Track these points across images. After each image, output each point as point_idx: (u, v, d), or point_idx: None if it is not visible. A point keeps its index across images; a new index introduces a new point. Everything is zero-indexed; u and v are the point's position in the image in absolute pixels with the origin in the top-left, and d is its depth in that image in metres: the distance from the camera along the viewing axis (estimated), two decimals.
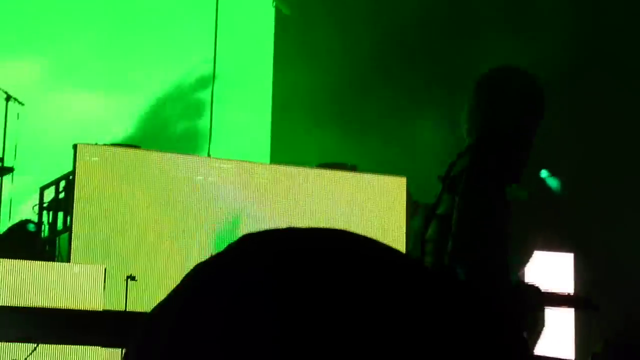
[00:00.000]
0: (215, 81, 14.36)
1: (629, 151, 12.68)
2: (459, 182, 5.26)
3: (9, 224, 11.55)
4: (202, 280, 1.07)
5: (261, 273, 1.02)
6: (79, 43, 14.00)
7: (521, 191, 5.41)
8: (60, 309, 8.71)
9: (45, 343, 8.36)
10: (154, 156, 11.10)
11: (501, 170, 5.38)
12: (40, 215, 11.36)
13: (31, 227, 11.26)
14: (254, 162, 12.02)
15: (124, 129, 14.00)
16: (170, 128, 15.10)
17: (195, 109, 14.97)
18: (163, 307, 1.07)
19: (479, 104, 5.48)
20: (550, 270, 11.43)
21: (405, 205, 11.11)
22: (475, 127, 5.40)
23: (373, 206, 11.01)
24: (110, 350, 9.01)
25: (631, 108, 12.44)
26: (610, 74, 12.74)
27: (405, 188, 11.12)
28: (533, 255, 5.67)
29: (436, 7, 13.37)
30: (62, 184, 11.16)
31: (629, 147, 12.66)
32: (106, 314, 9.00)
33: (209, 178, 10.79)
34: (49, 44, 14.12)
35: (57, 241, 11.06)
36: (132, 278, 9.49)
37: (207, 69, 14.90)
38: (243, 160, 11.73)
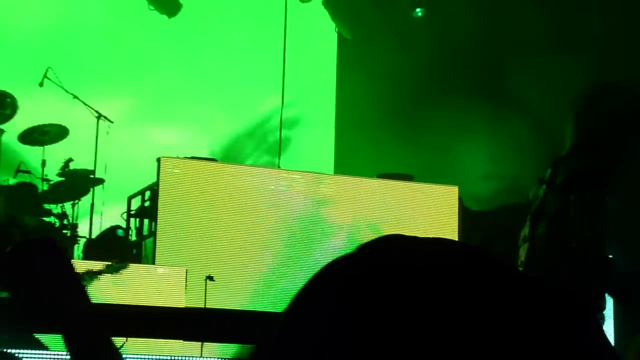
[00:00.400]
0: (285, 100, 14.77)
1: None
2: (567, 186, 5.55)
3: (100, 230, 11.83)
4: (315, 290, 1.06)
5: (371, 293, 1.00)
6: (162, 83, 14.30)
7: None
8: (146, 306, 8.70)
9: (133, 337, 8.71)
10: (230, 168, 11.49)
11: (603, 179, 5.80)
12: (128, 221, 11.71)
13: (120, 232, 11.56)
14: (320, 173, 12.29)
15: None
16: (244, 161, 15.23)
17: (274, 148, 15.11)
18: (286, 310, 1.08)
19: (577, 117, 5.66)
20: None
21: (457, 212, 11.31)
22: (573, 138, 5.75)
23: (428, 213, 11.21)
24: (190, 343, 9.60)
25: None
26: None
27: (457, 196, 11.35)
28: None
29: (485, 26, 13.40)
30: (147, 193, 11.46)
31: None
32: (187, 311, 9.61)
33: (280, 188, 11.07)
34: (136, 83, 14.38)
35: (143, 245, 11.38)
36: (211, 278, 9.74)
37: (286, 113, 15.02)
38: (310, 172, 12.06)
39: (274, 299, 10.25)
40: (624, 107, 5.76)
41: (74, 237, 11.60)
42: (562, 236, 5.58)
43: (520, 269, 5.99)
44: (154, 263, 10.34)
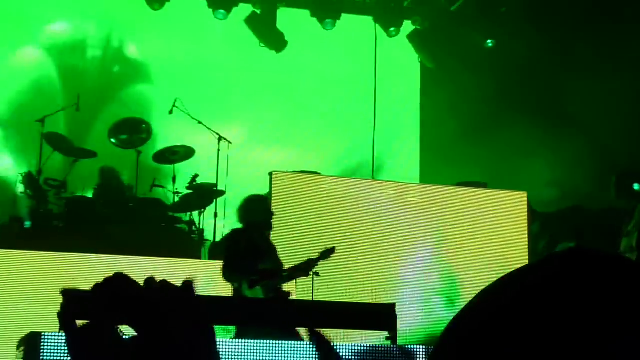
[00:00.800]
0: (377, 120, 15.28)
1: None
2: None
3: (223, 234, 12.17)
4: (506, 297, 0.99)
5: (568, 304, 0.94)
6: (272, 109, 14.74)
7: None
8: (261, 299, 8.94)
9: (250, 325, 8.56)
10: (331, 180, 11.89)
11: None
12: None
13: None
14: (408, 183, 12.83)
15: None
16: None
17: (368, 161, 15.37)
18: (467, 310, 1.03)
19: None
20: None
21: (526, 215, 11.61)
22: None
23: (501, 216, 11.58)
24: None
25: None
26: None
27: (526, 201, 11.73)
28: None
29: (545, 52, 14.00)
30: None
31: None
32: (297, 302, 9.43)
33: (373, 195, 11.54)
34: (250, 110, 14.74)
35: None
36: (317, 274, 9.80)
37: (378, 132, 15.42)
38: (399, 181, 12.64)
39: (370, 292, 10.48)
40: None
41: (201, 241, 12.12)
42: None
43: None
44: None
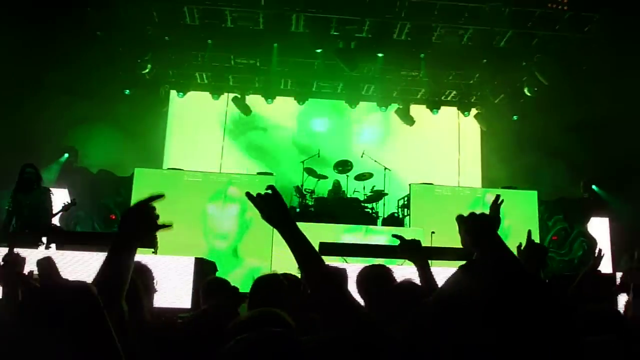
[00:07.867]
0: (460, 149, 17.79)
1: None
2: None
3: (386, 214, 14.18)
4: None
5: None
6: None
7: None
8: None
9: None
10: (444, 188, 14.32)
11: None
12: (399, 210, 14.48)
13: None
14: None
15: None
16: None
17: None
18: None
19: None
20: None
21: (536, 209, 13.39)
22: None
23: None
24: None
25: None
26: None
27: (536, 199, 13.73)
28: None
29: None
30: (401, 201, 14.58)
31: None
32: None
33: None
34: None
35: (407, 219, 13.99)
36: (433, 232, 11.07)
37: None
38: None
39: None
40: None
41: (377, 216, 14.07)
42: None
43: None
44: (409, 226, 13.39)
